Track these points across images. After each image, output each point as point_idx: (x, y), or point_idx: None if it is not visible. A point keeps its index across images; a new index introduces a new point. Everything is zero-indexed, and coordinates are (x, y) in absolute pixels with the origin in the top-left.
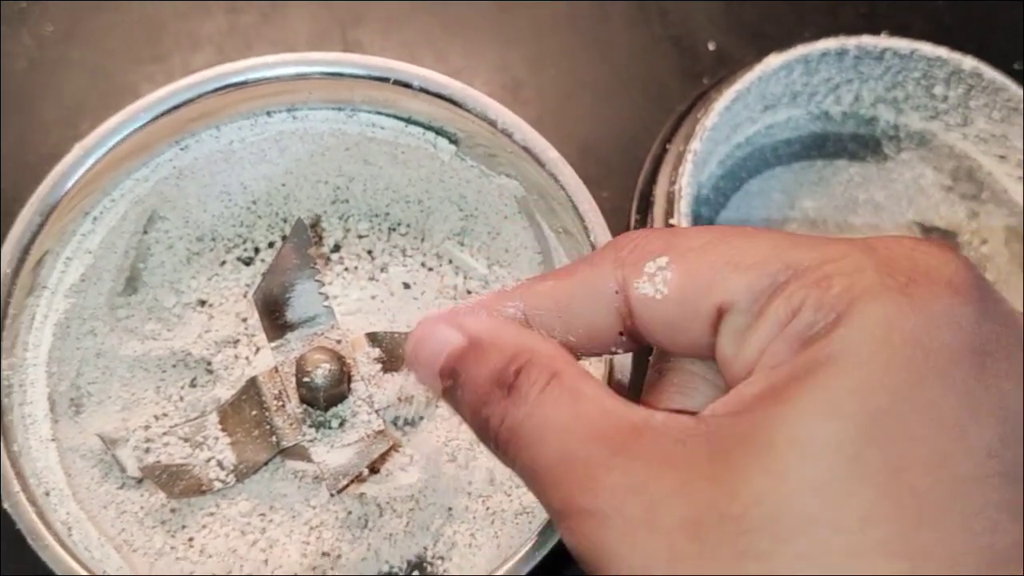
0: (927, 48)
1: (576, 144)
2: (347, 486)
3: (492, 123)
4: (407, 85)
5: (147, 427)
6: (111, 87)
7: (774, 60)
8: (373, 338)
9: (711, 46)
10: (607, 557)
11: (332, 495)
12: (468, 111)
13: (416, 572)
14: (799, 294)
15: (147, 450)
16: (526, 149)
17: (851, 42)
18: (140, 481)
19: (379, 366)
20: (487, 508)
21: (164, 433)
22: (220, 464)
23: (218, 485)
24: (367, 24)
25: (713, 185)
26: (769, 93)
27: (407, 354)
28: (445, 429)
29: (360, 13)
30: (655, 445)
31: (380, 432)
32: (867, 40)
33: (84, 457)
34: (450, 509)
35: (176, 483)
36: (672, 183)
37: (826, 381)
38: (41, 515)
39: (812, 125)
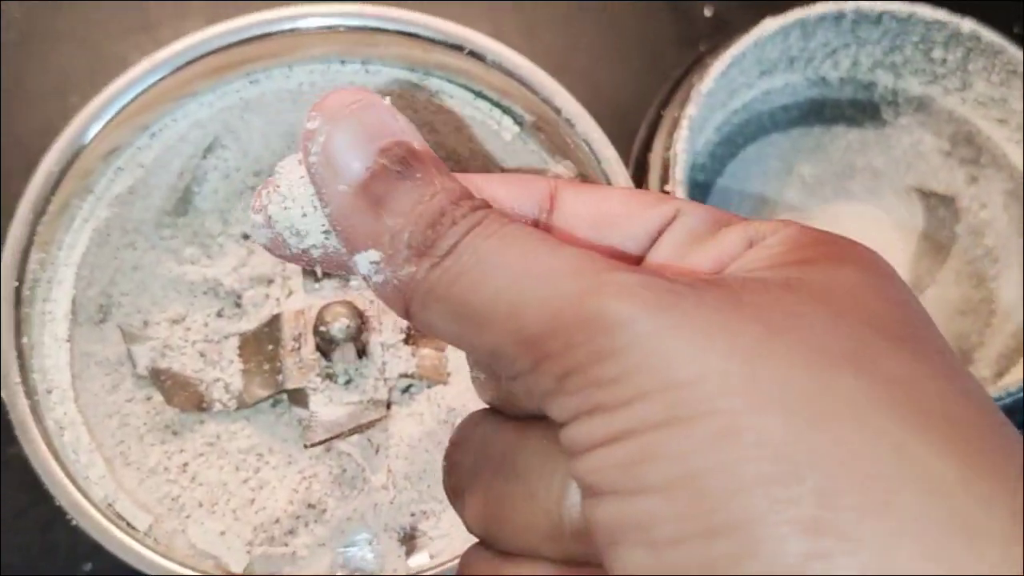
0: (926, 11)
1: None
2: (322, 443)
3: (556, 111)
4: (480, 58)
5: (169, 337)
6: (100, 58)
7: (770, 24)
8: None
9: (707, 11)
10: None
11: (305, 446)
12: (535, 93)
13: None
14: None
15: (163, 355)
16: (586, 142)
17: (848, 6)
18: (149, 399)
19: (402, 336)
20: None
21: (185, 343)
22: (226, 387)
23: (218, 407)
24: None
25: (710, 152)
26: (766, 58)
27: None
28: (446, 411)
29: None
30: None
31: (381, 401)
32: (865, 4)
33: (99, 364)
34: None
35: (179, 393)
36: (667, 149)
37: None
38: (35, 410)
39: (809, 91)
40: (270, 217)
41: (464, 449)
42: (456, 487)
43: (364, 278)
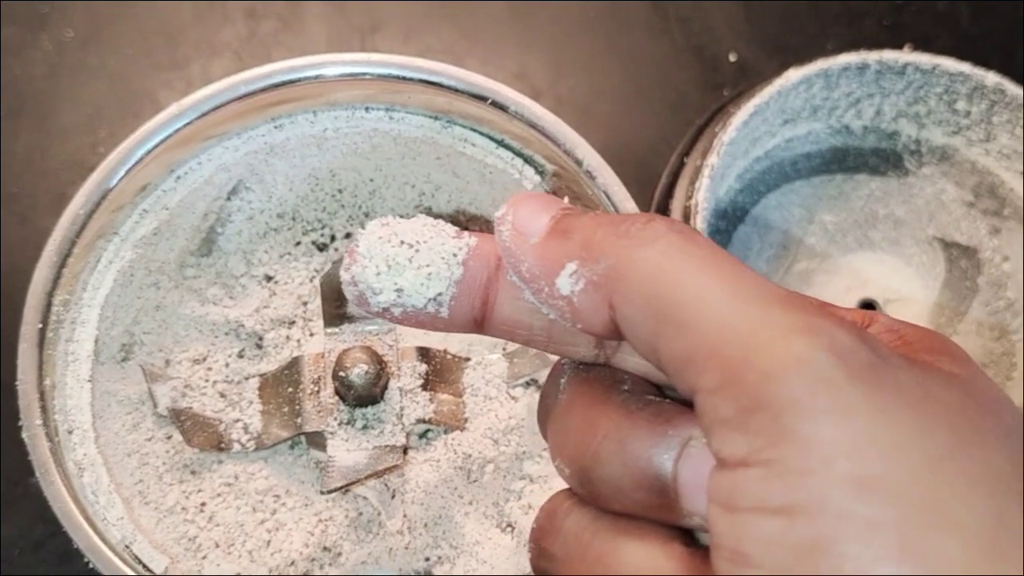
0: (949, 63)
1: None
2: (339, 489)
3: (578, 162)
4: (503, 108)
5: (190, 377)
6: (129, 93)
7: (794, 74)
8: (424, 353)
9: (732, 57)
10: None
11: (321, 492)
12: (557, 144)
13: None
14: None
15: (183, 395)
16: (606, 194)
17: (872, 56)
18: (169, 438)
19: (420, 382)
20: (495, 543)
21: (206, 383)
22: (246, 428)
23: (237, 447)
24: (385, 30)
25: (731, 199)
26: (789, 107)
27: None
28: (462, 457)
29: (378, 19)
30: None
31: (399, 447)
32: (888, 55)
33: (120, 403)
34: (462, 535)
35: (198, 433)
36: (689, 197)
37: None
38: (56, 451)
39: (832, 139)
40: (353, 276)
41: (554, 539)
42: (545, 573)
43: (564, 301)
